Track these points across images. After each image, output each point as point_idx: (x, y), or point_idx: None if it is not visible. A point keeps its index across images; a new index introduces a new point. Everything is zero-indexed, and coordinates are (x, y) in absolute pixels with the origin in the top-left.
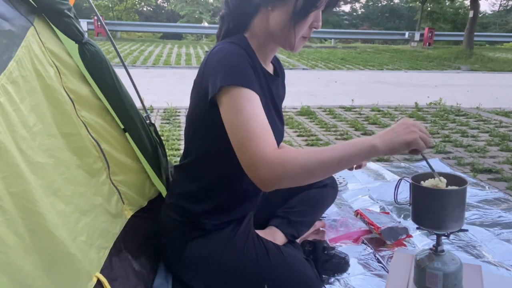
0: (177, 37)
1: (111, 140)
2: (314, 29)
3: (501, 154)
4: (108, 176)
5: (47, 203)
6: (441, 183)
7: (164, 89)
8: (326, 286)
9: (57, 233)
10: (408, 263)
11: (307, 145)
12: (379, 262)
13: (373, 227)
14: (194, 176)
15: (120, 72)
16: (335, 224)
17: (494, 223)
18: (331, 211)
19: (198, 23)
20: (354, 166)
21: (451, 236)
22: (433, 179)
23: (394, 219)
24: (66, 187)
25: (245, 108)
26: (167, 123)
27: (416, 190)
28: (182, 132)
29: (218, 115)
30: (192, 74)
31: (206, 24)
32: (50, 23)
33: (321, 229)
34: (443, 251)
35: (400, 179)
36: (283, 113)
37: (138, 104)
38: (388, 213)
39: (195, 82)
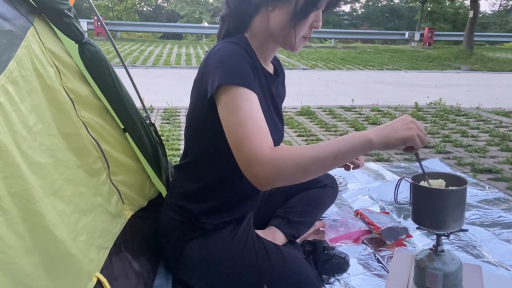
0: (177, 37)
1: (111, 140)
2: (314, 29)
3: (501, 154)
4: (108, 176)
5: (47, 203)
6: (441, 183)
7: (164, 89)
8: (326, 286)
9: (57, 233)
10: (408, 263)
11: (307, 145)
12: (379, 262)
13: (373, 227)
14: (194, 176)
15: (120, 72)
16: (335, 224)
17: (494, 223)
18: (331, 211)
19: (198, 23)
20: (352, 166)
21: (451, 236)
22: (433, 180)
23: (394, 219)
24: (66, 187)
25: (243, 107)
26: (167, 123)
27: (416, 190)
28: (182, 132)
29: (217, 115)
30: (192, 74)
31: (206, 24)
32: (50, 23)
33: (321, 229)
34: (443, 251)
35: (400, 179)
36: (283, 113)
37: (138, 104)
38: (388, 213)
39: (195, 81)
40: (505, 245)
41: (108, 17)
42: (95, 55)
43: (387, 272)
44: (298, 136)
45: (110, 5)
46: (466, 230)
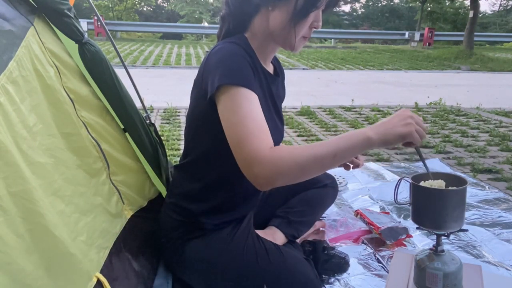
0: (177, 37)
1: (111, 140)
2: (314, 29)
3: (501, 154)
4: (108, 176)
5: (47, 203)
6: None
7: (164, 89)
8: (326, 286)
9: (57, 233)
10: (408, 263)
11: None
12: (379, 262)
13: (373, 227)
14: (194, 176)
15: (120, 72)
16: (335, 224)
17: (494, 223)
18: (331, 211)
19: (198, 23)
20: (352, 166)
21: (451, 236)
22: (433, 180)
23: (394, 219)
24: (66, 187)
25: (243, 107)
26: (167, 123)
27: (416, 190)
28: (182, 132)
29: (217, 115)
30: (192, 74)
31: (206, 24)
32: (50, 23)
33: (321, 229)
34: (443, 251)
35: (400, 179)
36: (283, 113)
37: (138, 104)
38: (388, 213)
39: (195, 82)
40: (505, 245)
41: (108, 17)
42: (95, 55)
43: (387, 272)
44: (298, 136)
45: (110, 5)
46: (466, 230)
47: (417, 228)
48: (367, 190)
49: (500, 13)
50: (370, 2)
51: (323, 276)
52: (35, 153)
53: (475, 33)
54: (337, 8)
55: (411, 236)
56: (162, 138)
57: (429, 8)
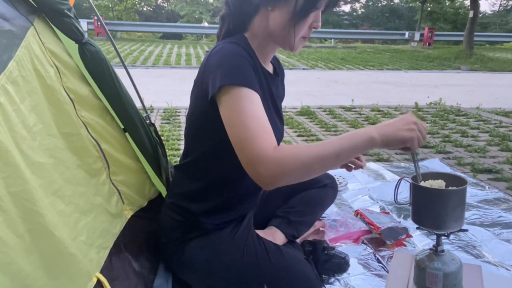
0: (177, 37)
1: (111, 140)
2: (314, 29)
3: (501, 154)
4: (108, 176)
5: (47, 203)
6: (440, 183)
7: (164, 89)
8: (326, 286)
9: (57, 233)
10: (408, 263)
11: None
12: (379, 262)
13: (373, 227)
14: (194, 176)
15: (120, 72)
16: (335, 224)
17: (494, 223)
18: (331, 211)
19: (198, 23)
20: (354, 166)
21: (451, 236)
22: (433, 180)
23: (394, 219)
24: (66, 187)
25: (245, 107)
26: (167, 123)
27: (416, 190)
28: (182, 132)
29: (218, 115)
30: (192, 74)
31: (206, 24)
32: (50, 23)
33: (321, 229)
34: (443, 251)
35: (400, 179)
36: (283, 113)
37: (138, 104)
38: (388, 213)
39: (195, 82)
40: (505, 245)
41: (108, 17)
42: (95, 55)
43: (387, 272)
44: (298, 136)
45: (110, 5)
46: (466, 230)
47: (417, 228)
48: (367, 190)
49: (500, 13)
50: (370, 2)
51: (323, 276)
52: (35, 153)
53: (475, 33)
54: (337, 8)
55: (411, 236)
56: (162, 138)
57: (429, 8)
